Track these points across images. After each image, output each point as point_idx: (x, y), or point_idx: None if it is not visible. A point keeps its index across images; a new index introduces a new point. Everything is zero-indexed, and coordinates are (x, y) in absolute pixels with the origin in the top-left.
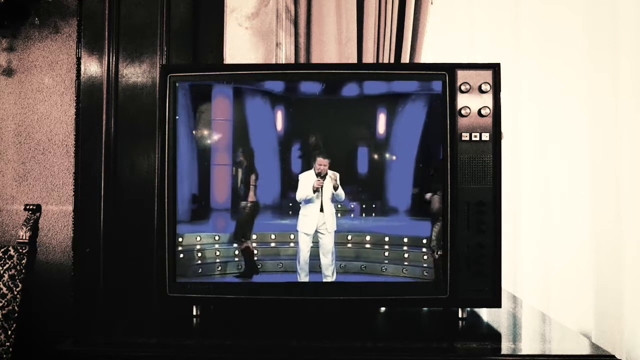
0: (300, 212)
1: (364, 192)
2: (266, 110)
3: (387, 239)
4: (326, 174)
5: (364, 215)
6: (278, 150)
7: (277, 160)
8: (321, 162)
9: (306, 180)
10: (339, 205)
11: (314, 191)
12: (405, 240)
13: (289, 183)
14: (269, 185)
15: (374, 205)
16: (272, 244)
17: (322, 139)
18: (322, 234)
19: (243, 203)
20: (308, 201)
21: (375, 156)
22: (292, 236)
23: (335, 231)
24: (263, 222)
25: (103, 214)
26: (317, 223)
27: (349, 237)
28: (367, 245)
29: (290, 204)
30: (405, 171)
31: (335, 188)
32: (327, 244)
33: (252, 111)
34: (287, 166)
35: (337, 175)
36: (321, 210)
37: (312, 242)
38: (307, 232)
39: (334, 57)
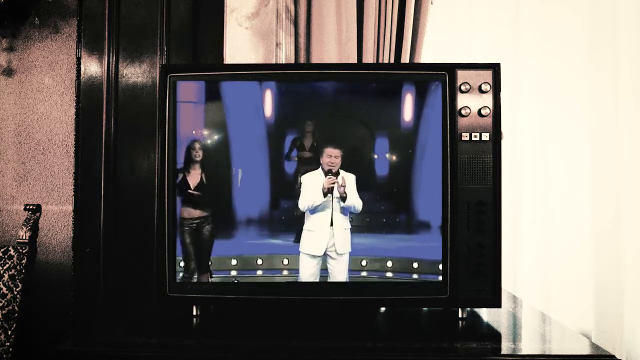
0: (305, 226)
1: (383, 201)
2: (264, 108)
3: (415, 265)
4: (338, 171)
5: (383, 232)
6: (268, 147)
7: (267, 158)
8: (331, 153)
9: (312, 183)
10: (352, 219)
11: (325, 194)
12: (441, 267)
13: (283, 187)
14: (257, 192)
15: (397, 219)
16: (259, 272)
17: (330, 130)
18: (332, 257)
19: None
20: (314, 210)
21: (399, 155)
22: (285, 261)
23: (350, 254)
24: (245, 242)
25: (103, 214)
26: (328, 242)
27: (364, 263)
28: (389, 274)
29: (283, 217)
30: (438, 174)
31: (343, 199)
32: (339, 271)
33: (250, 110)
34: (281, 165)
35: (346, 179)
36: (330, 224)
37: (320, 269)
38: (315, 253)
39: (334, 57)
